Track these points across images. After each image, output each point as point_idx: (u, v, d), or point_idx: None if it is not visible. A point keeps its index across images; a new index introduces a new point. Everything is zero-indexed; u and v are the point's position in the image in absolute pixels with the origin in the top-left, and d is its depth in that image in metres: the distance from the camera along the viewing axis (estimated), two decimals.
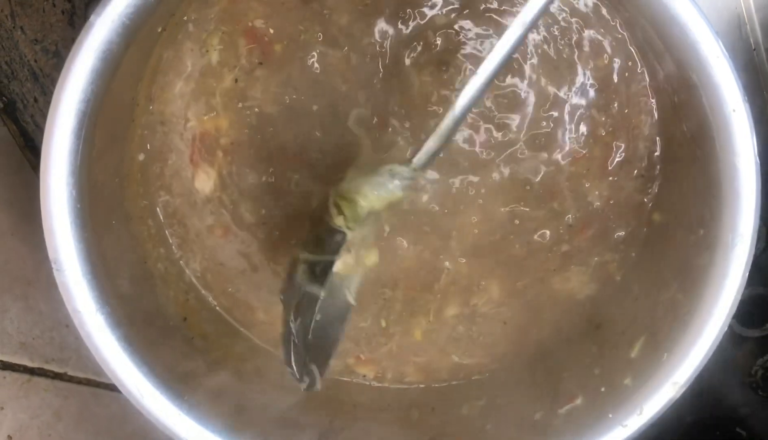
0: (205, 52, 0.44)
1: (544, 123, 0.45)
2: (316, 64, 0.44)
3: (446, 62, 0.44)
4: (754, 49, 0.52)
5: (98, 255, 0.38)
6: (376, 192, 0.40)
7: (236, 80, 0.44)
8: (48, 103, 0.58)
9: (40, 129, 0.59)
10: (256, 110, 0.45)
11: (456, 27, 0.44)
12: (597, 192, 0.46)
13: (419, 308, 0.48)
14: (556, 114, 0.45)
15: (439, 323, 0.49)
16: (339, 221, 0.41)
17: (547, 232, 0.46)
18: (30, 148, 0.59)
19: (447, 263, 0.47)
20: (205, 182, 0.46)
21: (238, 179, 0.46)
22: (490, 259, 0.47)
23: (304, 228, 0.46)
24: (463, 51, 0.44)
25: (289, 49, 0.44)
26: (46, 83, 0.57)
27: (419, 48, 0.44)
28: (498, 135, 0.45)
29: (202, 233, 0.47)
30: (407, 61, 0.44)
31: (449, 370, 0.49)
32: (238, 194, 0.46)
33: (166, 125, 0.45)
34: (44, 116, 0.58)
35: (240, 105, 0.45)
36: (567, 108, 0.45)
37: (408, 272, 0.47)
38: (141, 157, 0.44)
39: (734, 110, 0.34)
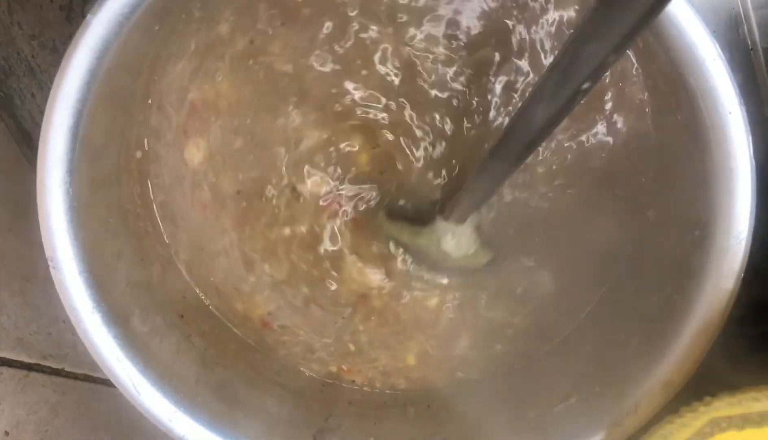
0: (214, 26, 0.44)
1: None
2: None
3: None
4: (752, 49, 0.52)
5: (95, 253, 0.38)
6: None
7: (252, 42, 0.44)
8: (45, 99, 0.58)
9: (37, 125, 0.59)
10: (268, 66, 0.45)
11: None
12: None
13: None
14: None
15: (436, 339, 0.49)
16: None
17: None
18: (27, 144, 0.59)
19: None
20: (194, 153, 0.46)
21: (229, 141, 0.46)
22: None
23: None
24: None
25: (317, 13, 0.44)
26: (43, 79, 0.57)
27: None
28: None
29: (187, 212, 0.47)
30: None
31: (444, 380, 0.49)
32: (222, 163, 0.46)
33: (163, 111, 0.45)
34: (41, 112, 0.58)
35: (250, 62, 0.45)
36: None
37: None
38: (138, 154, 0.44)
39: (730, 113, 0.34)
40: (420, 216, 0.46)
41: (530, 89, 0.35)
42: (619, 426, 0.40)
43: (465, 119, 0.45)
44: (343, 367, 0.49)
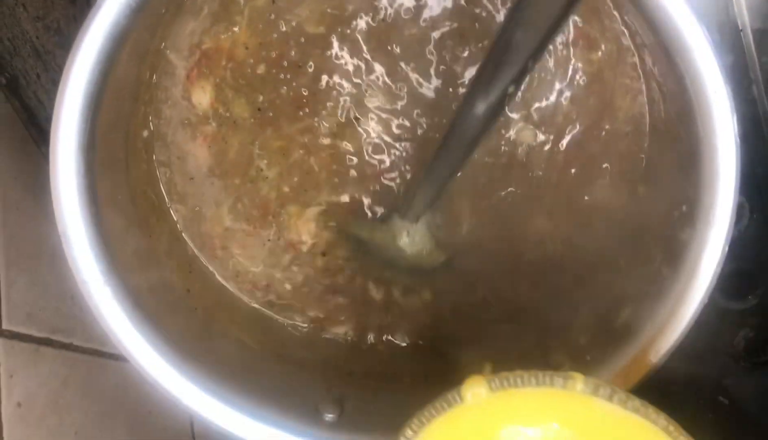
0: None
1: None
2: None
3: None
4: (741, 30, 0.53)
5: (105, 230, 0.39)
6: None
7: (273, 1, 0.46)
8: (50, 79, 0.59)
9: (42, 105, 0.60)
10: (294, 23, 0.46)
11: None
12: None
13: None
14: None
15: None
16: None
17: None
18: (33, 123, 0.60)
19: None
20: (201, 96, 0.47)
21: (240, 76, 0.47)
22: None
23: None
24: None
25: None
26: (48, 60, 0.58)
27: None
28: None
29: (193, 178, 0.48)
30: None
31: (445, 339, 0.51)
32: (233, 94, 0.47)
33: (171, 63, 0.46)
34: (46, 93, 0.60)
35: (272, 17, 0.46)
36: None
37: None
38: (145, 134, 0.46)
39: (715, 93, 0.36)
40: (381, 214, 0.49)
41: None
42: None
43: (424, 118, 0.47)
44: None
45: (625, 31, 0.44)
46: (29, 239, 0.54)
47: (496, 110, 0.37)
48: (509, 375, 0.34)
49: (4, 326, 0.48)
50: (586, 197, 0.48)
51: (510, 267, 0.50)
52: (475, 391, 0.34)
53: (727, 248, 0.39)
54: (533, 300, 0.50)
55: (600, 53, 0.46)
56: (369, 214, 0.49)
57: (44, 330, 0.53)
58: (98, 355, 0.58)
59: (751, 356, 0.66)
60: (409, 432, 0.35)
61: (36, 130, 0.60)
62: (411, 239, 0.48)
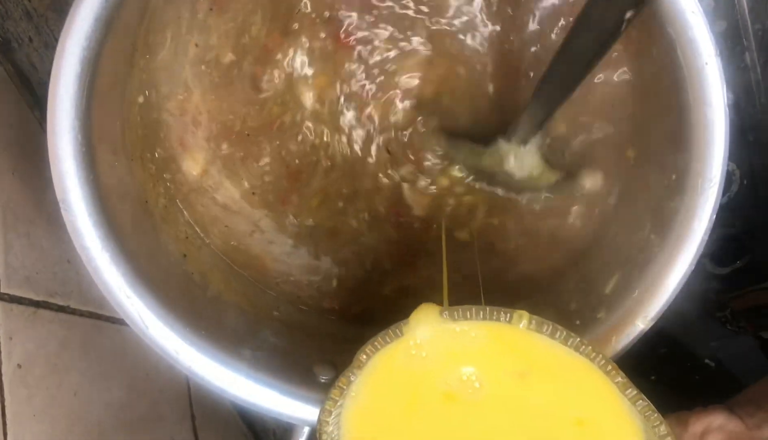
0: None
1: None
2: None
3: None
4: None
5: (102, 196, 0.40)
6: None
7: None
8: (42, 42, 0.59)
9: (35, 68, 0.60)
10: None
11: None
12: None
13: None
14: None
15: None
16: None
17: None
18: (26, 87, 0.60)
19: None
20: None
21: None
22: None
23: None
24: None
25: None
26: (40, 23, 0.58)
27: None
28: None
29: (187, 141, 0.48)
30: None
31: None
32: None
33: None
34: (39, 56, 0.59)
35: None
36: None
37: None
38: (140, 99, 0.46)
39: (707, 63, 0.36)
40: (481, 137, 0.47)
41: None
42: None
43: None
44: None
45: None
46: (26, 203, 0.54)
47: (613, 36, 0.35)
48: (458, 308, 0.35)
49: (3, 290, 0.48)
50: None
51: None
52: (425, 320, 0.36)
53: (714, 216, 0.40)
54: (525, 268, 0.51)
55: None
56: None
57: (42, 293, 0.53)
58: (96, 317, 0.58)
59: (737, 320, 0.67)
60: (362, 357, 0.37)
61: (29, 93, 0.60)
62: (519, 162, 0.47)
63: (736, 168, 0.58)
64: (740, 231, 0.62)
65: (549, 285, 0.49)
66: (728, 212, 0.58)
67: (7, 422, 0.45)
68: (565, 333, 0.35)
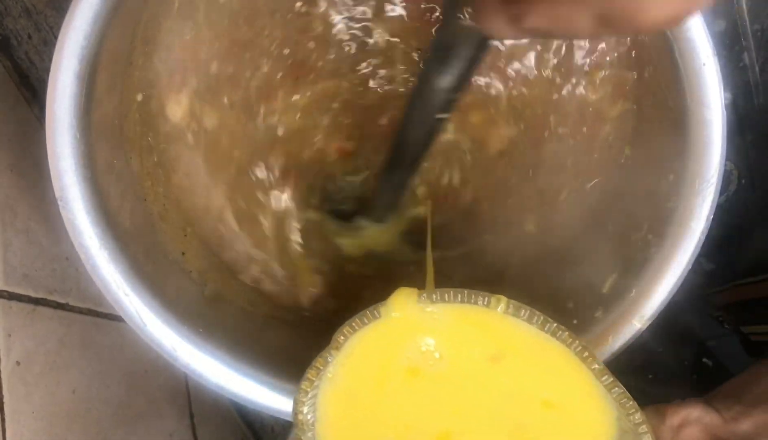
0: None
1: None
2: None
3: None
4: None
5: (101, 194, 0.40)
6: None
7: None
8: (42, 39, 0.59)
9: (34, 66, 0.60)
10: None
11: None
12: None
13: None
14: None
15: None
16: None
17: None
18: (25, 84, 0.60)
19: None
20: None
21: None
22: None
23: None
24: None
25: None
26: (39, 21, 0.58)
27: None
28: None
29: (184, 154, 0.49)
30: None
31: None
32: None
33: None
34: (38, 53, 0.59)
35: None
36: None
37: None
38: (139, 97, 0.46)
39: (704, 64, 0.36)
40: (343, 214, 0.51)
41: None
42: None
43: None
44: None
45: None
46: (24, 200, 0.54)
47: (432, 134, 0.40)
48: (436, 291, 0.36)
49: (1, 287, 0.48)
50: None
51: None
52: (403, 301, 0.36)
53: (712, 217, 0.40)
54: (522, 265, 0.51)
55: None
56: None
57: (41, 290, 0.53)
58: (94, 315, 0.58)
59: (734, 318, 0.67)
60: (340, 338, 0.37)
61: (28, 90, 0.60)
62: (376, 239, 0.50)
63: (734, 167, 0.58)
64: (738, 230, 0.62)
65: (545, 284, 0.49)
66: (726, 211, 0.58)
67: (6, 419, 0.45)
68: (542, 318, 0.35)
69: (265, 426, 0.79)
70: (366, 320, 0.37)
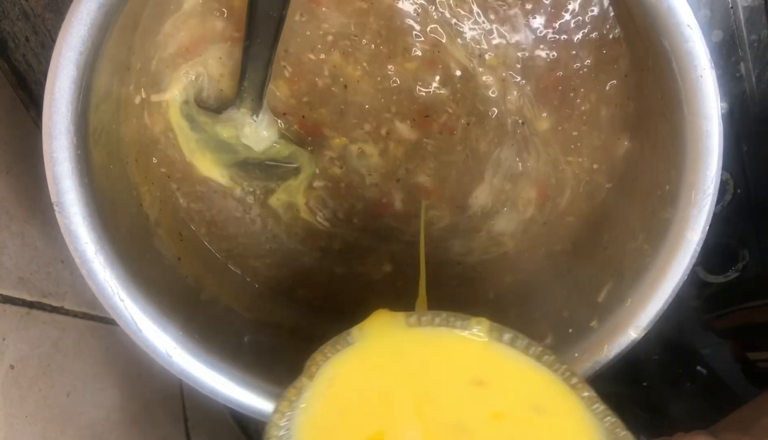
0: None
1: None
2: None
3: None
4: (731, 7, 0.54)
5: (97, 199, 0.40)
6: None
7: None
8: (39, 42, 0.59)
9: (32, 68, 0.60)
10: None
11: None
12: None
13: None
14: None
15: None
16: None
17: None
18: (22, 87, 0.60)
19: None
20: None
21: None
22: None
23: None
24: None
25: None
26: (37, 23, 0.58)
27: None
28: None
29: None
30: None
31: None
32: None
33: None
34: (36, 56, 0.59)
35: None
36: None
37: None
38: (137, 100, 0.46)
39: (701, 76, 0.36)
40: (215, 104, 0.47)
41: None
42: (589, 364, 0.43)
43: None
44: None
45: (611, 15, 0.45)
46: (20, 203, 0.54)
47: None
48: (414, 314, 0.34)
49: None
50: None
51: None
52: (377, 326, 0.34)
53: (708, 227, 0.40)
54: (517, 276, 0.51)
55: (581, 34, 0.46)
56: None
57: (35, 293, 0.53)
58: (89, 318, 0.58)
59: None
60: (312, 368, 0.35)
61: (25, 93, 0.60)
62: (255, 135, 0.47)
63: (730, 177, 0.58)
64: (734, 240, 0.62)
65: (541, 293, 0.49)
66: (722, 221, 0.58)
67: (0, 423, 0.45)
68: (526, 342, 0.34)
69: (259, 431, 0.78)
70: (339, 347, 0.35)
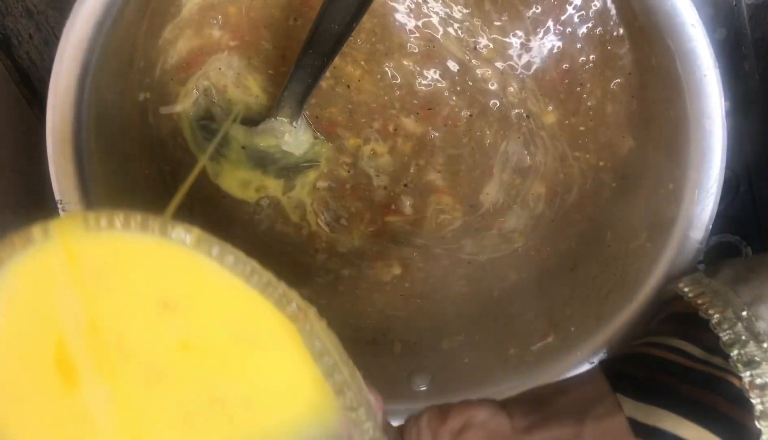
0: None
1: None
2: None
3: None
4: (735, 5, 0.53)
5: (101, 196, 0.40)
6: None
7: None
8: (42, 40, 0.58)
9: (35, 65, 0.60)
10: None
11: None
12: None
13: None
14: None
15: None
16: None
17: None
18: (25, 84, 0.60)
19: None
20: None
21: None
22: None
23: None
24: None
25: None
26: (40, 20, 0.58)
27: None
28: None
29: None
30: None
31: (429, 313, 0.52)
32: None
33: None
34: (39, 53, 0.59)
35: None
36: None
37: None
38: (141, 98, 0.46)
39: (705, 76, 0.36)
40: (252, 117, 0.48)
41: None
42: (591, 363, 0.43)
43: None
44: None
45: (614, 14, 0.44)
46: (24, 199, 0.54)
47: (358, 12, 0.39)
48: (103, 214, 0.26)
49: None
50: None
51: None
52: (66, 227, 0.26)
53: (711, 226, 0.40)
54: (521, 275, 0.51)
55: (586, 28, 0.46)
56: None
57: None
58: None
59: None
60: None
61: (28, 90, 0.60)
62: (295, 138, 0.48)
63: (734, 176, 0.58)
64: (737, 238, 0.62)
65: (545, 291, 0.49)
66: (726, 219, 0.58)
67: None
68: (233, 258, 0.26)
69: None
70: (18, 247, 0.25)
